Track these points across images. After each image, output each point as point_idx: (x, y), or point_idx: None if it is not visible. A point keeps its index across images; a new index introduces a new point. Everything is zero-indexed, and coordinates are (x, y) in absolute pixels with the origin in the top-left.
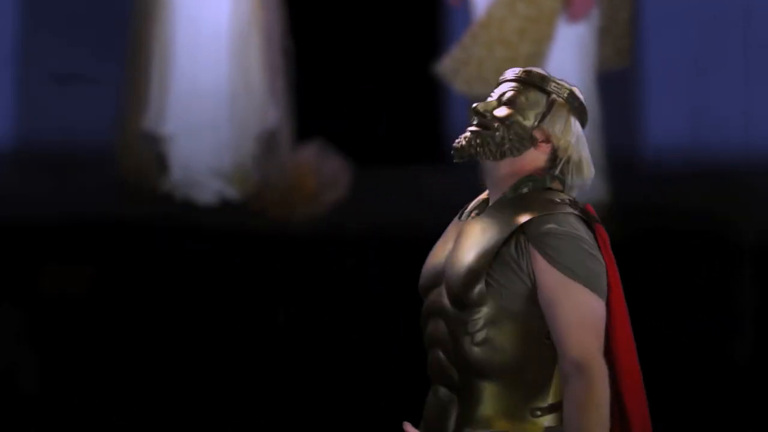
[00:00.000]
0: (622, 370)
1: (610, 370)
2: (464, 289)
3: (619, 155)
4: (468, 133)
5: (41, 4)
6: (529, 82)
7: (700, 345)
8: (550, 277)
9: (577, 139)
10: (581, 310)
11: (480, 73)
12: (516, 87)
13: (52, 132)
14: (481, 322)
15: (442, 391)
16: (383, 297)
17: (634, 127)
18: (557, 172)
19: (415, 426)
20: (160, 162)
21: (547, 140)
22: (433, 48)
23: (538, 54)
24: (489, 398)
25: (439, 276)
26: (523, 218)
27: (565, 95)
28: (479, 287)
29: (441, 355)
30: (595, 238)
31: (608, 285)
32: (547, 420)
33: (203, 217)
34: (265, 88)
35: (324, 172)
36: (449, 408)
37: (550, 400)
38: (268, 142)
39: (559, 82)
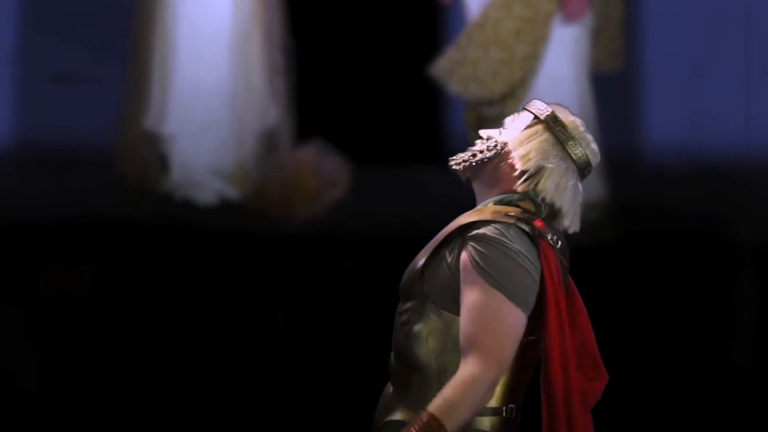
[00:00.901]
0: (555, 380)
1: (546, 377)
2: (408, 283)
3: (619, 155)
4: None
5: (41, 3)
6: (527, 108)
7: (700, 345)
8: (468, 278)
9: (541, 153)
10: (493, 316)
11: (475, 73)
12: (517, 113)
13: (52, 132)
14: (412, 315)
15: (389, 386)
16: (383, 297)
17: (634, 127)
18: (521, 185)
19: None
20: (161, 162)
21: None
22: (433, 48)
23: (534, 55)
24: (414, 390)
25: None
26: (463, 222)
27: (544, 116)
28: (417, 278)
29: (392, 352)
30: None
31: (546, 299)
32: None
33: (203, 217)
34: (266, 88)
35: (324, 172)
36: (391, 400)
37: None
38: (268, 142)
39: (547, 106)
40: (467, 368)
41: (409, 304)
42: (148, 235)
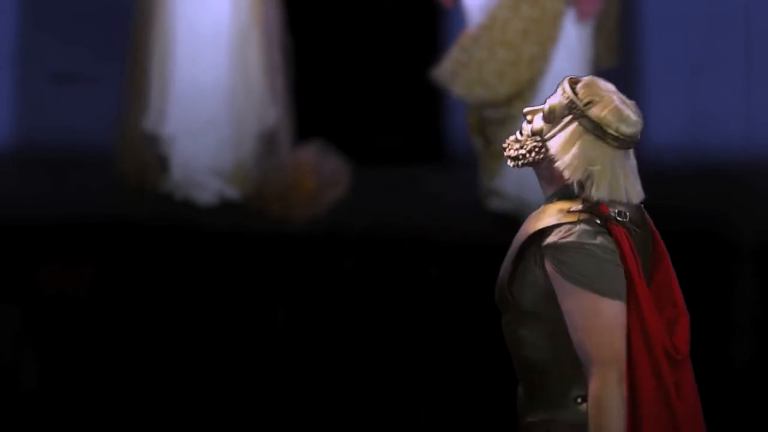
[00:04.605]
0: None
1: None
2: (499, 299)
3: None
4: (512, 138)
5: (41, 3)
6: (567, 95)
7: (699, 345)
8: (560, 287)
9: (585, 159)
10: (591, 317)
11: (480, 75)
12: (556, 97)
13: (52, 132)
14: (513, 324)
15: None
16: (383, 297)
17: None
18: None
19: None
20: (161, 162)
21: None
22: (433, 48)
23: (542, 56)
24: (537, 389)
25: None
26: (535, 228)
27: (578, 116)
28: (507, 292)
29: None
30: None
31: (631, 280)
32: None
33: (203, 217)
34: (265, 88)
35: (324, 172)
36: (523, 402)
37: None
38: (267, 142)
39: (580, 101)
40: (594, 382)
41: (508, 317)
42: (148, 235)
